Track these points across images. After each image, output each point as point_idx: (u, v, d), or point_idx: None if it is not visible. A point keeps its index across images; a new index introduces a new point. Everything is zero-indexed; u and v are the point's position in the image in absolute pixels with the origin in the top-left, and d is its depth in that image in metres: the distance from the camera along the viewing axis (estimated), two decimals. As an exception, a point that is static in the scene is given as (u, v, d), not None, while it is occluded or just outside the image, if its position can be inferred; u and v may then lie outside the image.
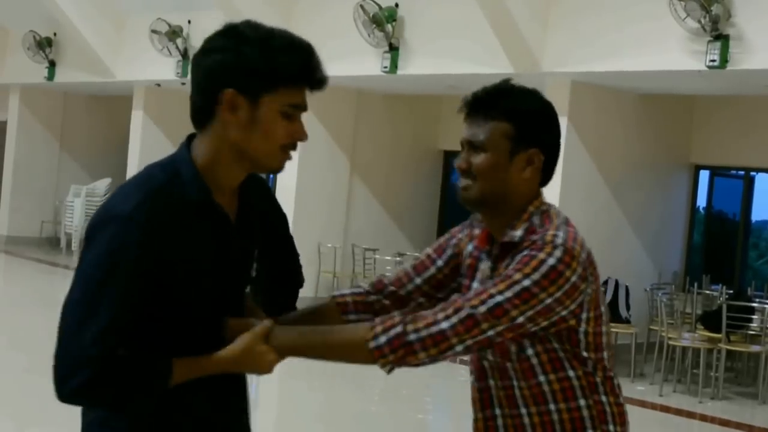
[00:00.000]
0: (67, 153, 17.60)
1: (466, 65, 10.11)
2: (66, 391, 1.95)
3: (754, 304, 9.19)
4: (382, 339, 2.07)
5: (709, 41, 8.04)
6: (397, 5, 10.54)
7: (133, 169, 15.03)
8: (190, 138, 2.13)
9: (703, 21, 7.98)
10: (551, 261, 2.06)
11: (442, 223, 14.07)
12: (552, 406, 2.17)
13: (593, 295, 2.15)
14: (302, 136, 2.04)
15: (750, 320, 9.00)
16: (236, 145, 2.01)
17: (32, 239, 17.15)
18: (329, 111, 12.14)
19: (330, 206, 12.65)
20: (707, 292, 10.46)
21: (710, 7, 7.94)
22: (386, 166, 13.32)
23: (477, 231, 2.35)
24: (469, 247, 2.35)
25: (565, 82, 9.65)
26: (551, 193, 10.07)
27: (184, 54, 13.08)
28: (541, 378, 2.17)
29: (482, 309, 2.04)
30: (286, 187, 12.23)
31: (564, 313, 2.10)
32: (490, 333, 2.04)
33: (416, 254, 12.62)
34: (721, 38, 7.99)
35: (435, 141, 13.97)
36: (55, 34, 15.39)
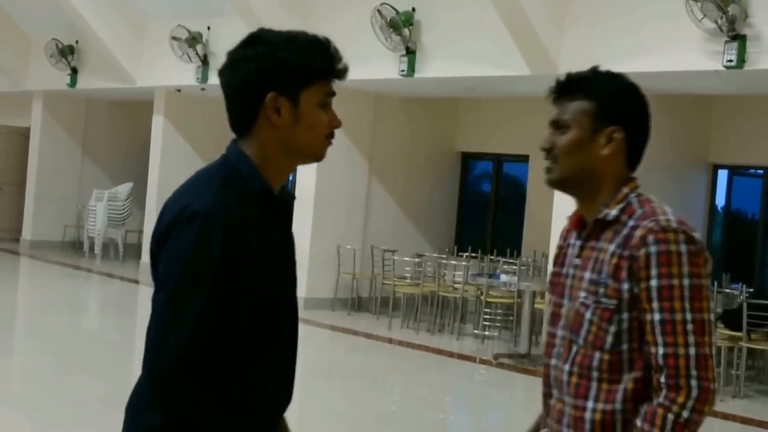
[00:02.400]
0: (90, 158, 17.72)
1: (483, 67, 10.15)
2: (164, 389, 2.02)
3: (774, 302, 9.20)
4: None
5: (726, 41, 8.02)
6: (413, 9, 10.58)
7: (154, 173, 15.15)
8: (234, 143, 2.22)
9: (719, 21, 7.97)
10: (677, 248, 2.11)
11: (460, 223, 14.13)
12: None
13: None
14: (338, 123, 2.19)
15: (770, 318, 9.00)
16: (285, 142, 2.13)
17: (55, 243, 17.24)
18: (348, 114, 12.13)
19: (349, 208, 12.73)
20: (727, 290, 10.45)
21: (727, 8, 7.93)
22: (404, 168, 13.37)
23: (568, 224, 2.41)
24: (566, 243, 2.40)
25: (582, 83, 9.67)
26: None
27: (204, 60, 13.17)
28: (625, 376, 2.17)
29: (694, 371, 2.08)
30: (306, 189, 12.31)
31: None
32: (706, 347, 2.10)
33: (434, 255, 12.64)
34: (738, 38, 7.98)
35: (453, 143, 14.02)
36: (77, 42, 15.52)
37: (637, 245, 2.12)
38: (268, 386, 2.17)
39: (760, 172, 11.70)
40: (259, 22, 11.35)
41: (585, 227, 2.30)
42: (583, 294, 2.21)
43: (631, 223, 2.17)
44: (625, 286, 2.14)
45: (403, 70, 10.68)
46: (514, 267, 10.57)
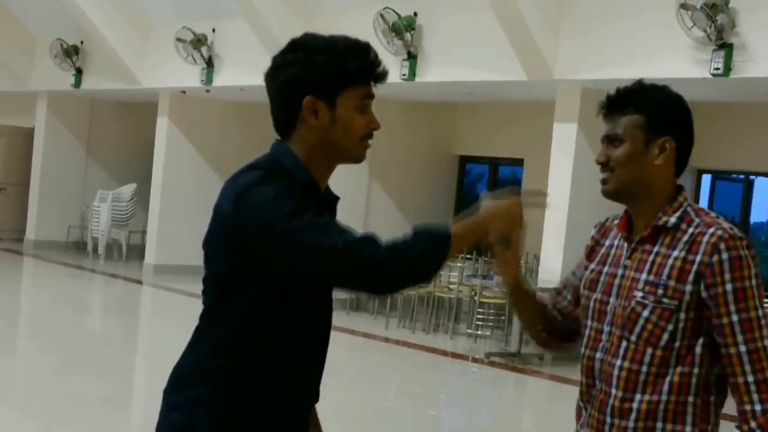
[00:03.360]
0: (94, 159, 17.68)
1: (482, 73, 10.28)
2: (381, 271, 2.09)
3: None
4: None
5: (714, 50, 8.17)
6: (415, 14, 10.70)
7: (158, 174, 15.19)
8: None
9: (708, 30, 8.11)
10: (744, 252, 2.28)
11: (458, 226, 14.26)
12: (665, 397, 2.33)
13: None
14: (376, 125, 2.26)
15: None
16: (323, 144, 2.21)
17: (59, 243, 17.23)
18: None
19: (349, 210, 12.85)
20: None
21: (716, 17, 8.07)
22: (404, 171, 13.52)
23: (615, 222, 2.53)
24: (605, 241, 2.53)
25: (576, 89, 9.80)
26: (561, 197, 10.28)
27: (209, 62, 13.23)
28: (670, 370, 2.32)
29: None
30: (307, 191, 12.44)
31: None
32: None
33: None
34: (725, 47, 8.13)
35: (451, 146, 14.17)
36: (82, 42, 15.52)
37: (709, 252, 2.27)
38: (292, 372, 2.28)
39: (741, 177, 11.91)
40: (263, 25, 11.55)
41: (632, 230, 2.43)
42: (640, 294, 2.33)
43: (691, 230, 2.32)
44: (688, 288, 2.28)
45: (404, 74, 10.76)
46: (508, 268, 10.70)
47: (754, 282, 2.27)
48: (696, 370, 2.31)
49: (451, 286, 11.66)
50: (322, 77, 2.17)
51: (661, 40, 8.65)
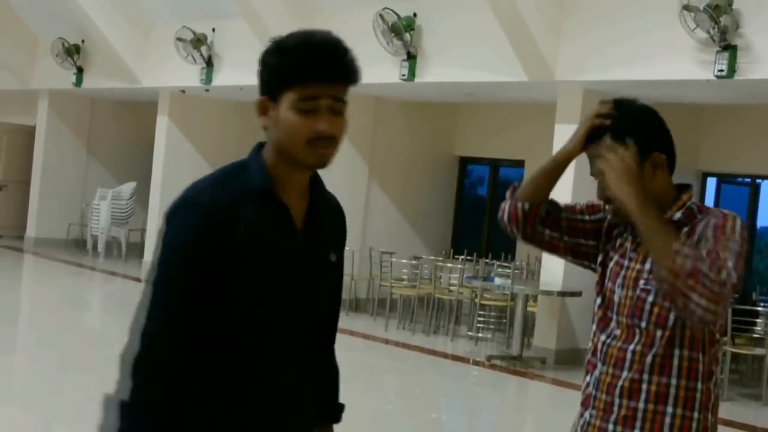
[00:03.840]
0: (94, 157, 17.77)
1: (482, 73, 10.25)
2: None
3: (759, 308, 9.35)
4: (688, 264, 2.20)
5: (718, 51, 8.10)
6: (415, 15, 10.67)
7: (158, 172, 15.23)
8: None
9: (712, 32, 8.05)
10: (733, 223, 2.34)
11: (457, 227, 14.25)
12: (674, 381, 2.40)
13: None
14: (322, 129, 2.07)
15: (754, 324, 9.19)
16: (275, 145, 2.11)
17: (59, 241, 17.30)
18: (349, 117, 12.30)
19: (348, 210, 12.42)
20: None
21: (719, 18, 8.01)
22: (404, 171, 13.49)
23: None
24: (621, 225, 2.57)
25: (578, 90, 9.74)
26: (564, 200, 10.23)
27: (208, 61, 13.24)
28: (676, 351, 2.38)
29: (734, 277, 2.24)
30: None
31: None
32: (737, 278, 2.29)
33: (431, 258, 12.73)
34: (730, 48, 8.06)
35: (451, 147, 14.14)
36: (83, 41, 15.57)
37: (705, 226, 2.36)
38: (267, 393, 2.13)
39: (748, 180, 11.85)
40: (263, 25, 11.53)
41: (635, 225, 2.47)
42: (643, 282, 2.41)
43: (693, 222, 2.41)
44: None
45: (403, 75, 10.75)
46: (508, 270, 10.66)
47: (737, 237, 2.28)
48: (700, 356, 2.37)
49: (452, 288, 11.61)
50: (268, 76, 2.10)
51: (664, 42, 8.58)
